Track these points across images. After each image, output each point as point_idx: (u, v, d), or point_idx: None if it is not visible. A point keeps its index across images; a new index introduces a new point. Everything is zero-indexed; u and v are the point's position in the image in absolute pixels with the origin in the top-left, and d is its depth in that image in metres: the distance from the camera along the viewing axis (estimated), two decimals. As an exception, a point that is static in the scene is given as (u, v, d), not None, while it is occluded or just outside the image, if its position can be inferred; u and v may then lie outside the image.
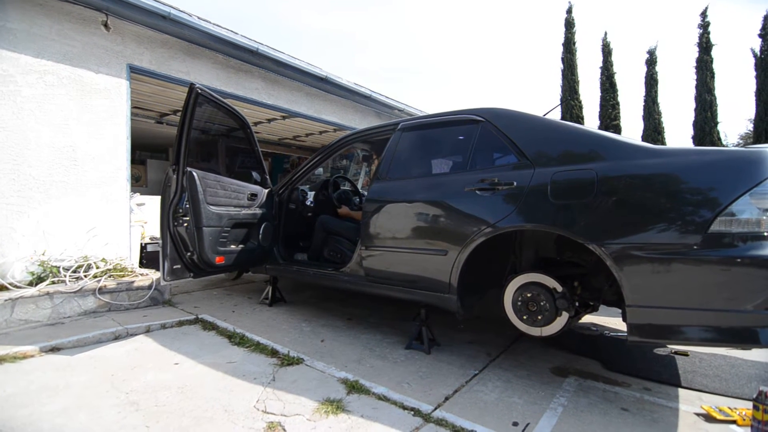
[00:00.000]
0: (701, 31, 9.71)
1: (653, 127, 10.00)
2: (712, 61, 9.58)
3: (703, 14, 9.71)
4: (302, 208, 4.11)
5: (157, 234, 3.41)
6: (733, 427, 1.91)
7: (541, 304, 2.25)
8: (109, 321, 3.13)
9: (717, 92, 9.51)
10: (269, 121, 7.19)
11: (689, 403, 2.14)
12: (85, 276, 3.42)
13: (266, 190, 3.58)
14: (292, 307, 3.83)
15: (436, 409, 1.99)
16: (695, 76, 9.74)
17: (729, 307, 1.71)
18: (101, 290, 3.38)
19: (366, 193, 3.10)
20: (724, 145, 9.79)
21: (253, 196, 3.40)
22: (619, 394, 2.22)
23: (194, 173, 2.82)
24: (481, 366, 2.57)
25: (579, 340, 3.09)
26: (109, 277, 3.55)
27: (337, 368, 2.43)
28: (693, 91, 9.74)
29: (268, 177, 3.73)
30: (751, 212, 1.68)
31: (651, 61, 10.24)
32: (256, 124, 7.37)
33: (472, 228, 2.34)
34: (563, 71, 10.64)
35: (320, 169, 7.75)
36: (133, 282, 3.57)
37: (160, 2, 3.92)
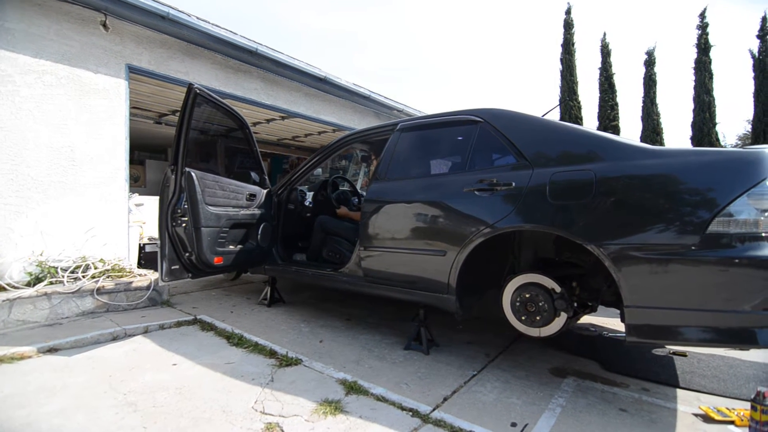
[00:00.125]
0: (700, 32, 9.73)
1: (652, 128, 10.01)
2: (710, 62, 9.60)
3: (702, 15, 9.74)
4: (301, 209, 4.11)
5: (156, 234, 3.41)
6: (731, 427, 1.91)
7: (540, 304, 2.25)
8: (107, 321, 3.12)
9: (715, 93, 9.53)
10: (268, 121, 7.19)
11: (687, 403, 2.14)
12: (83, 276, 3.42)
13: (265, 191, 3.57)
14: (291, 307, 3.83)
15: (434, 409, 1.99)
16: (694, 77, 9.76)
17: (727, 308, 1.71)
18: (99, 291, 3.37)
19: (365, 194, 3.10)
20: (722, 146, 9.82)
21: (252, 196, 3.40)
22: (617, 395, 2.22)
23: (193, 173, 2.81)
24: (479, 367, 2.57)
25: (577, 340, 3.10)
26: (108, 277, 3.55)
27: (336, 369, 2.43)
28: (691, 92, 9.76)
29: (266, 177, 3.73)
30: (749, 213, 1.69)
31: (650, 62, 10.25)
32: (254, 124, 7.37)
33: (471, 228, 2.34)
34: (562, 72, 10.65)
35: (319, 170, 7.74)
36: (131, 282, 3.56)
37: (158, 2, 3.91)
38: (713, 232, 1.71)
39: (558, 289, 2.22)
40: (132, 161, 4.86)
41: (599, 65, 10.50)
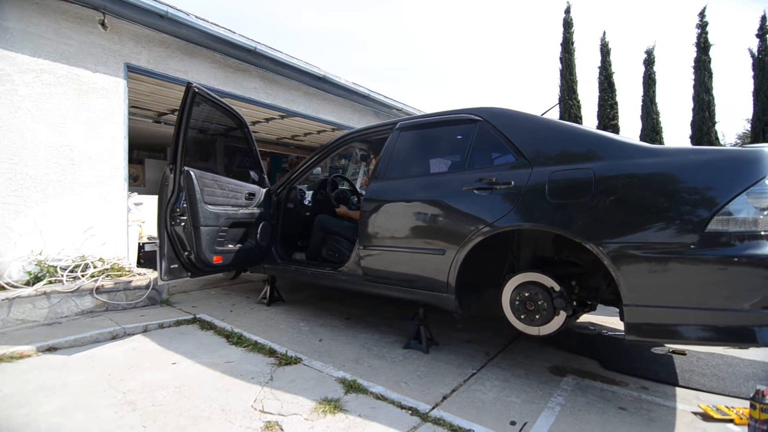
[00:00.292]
0: (699, 31, 9.74)
1: (651, 127, 10.02)
2: (710, 61, 9.61)
3: (701, 14, 9.74)
4: (300, 208, 4.11)
5: (155, 233, 3.41)
6: (731, 426, 1.91)
7: (539, 303, 2.25)
8: (106, 321, 3.12)
9: (715, 92, 9.56)
10: (267, 120, 7.18)
11: (687, 402, 2.14)
12: (83, 276, 3.41)
13: (264, 190, 3.57)
14: (290, 306, 3.83)
15: (433, 408, 1.99)
16: (693, 76, 9.77)
17: (726, 307, 1.71)
18: (98, 290, 3.37)
19: (364, 193, 3.10)
20: (721, 145, 9.82)
21: (251, 195, 3.40)
22: (616, 393, 2.22)
23: (191, 172, 2.81)
24: (479, 365, 2.57)
25: (577, 339, 3.10)
26: (107, 276, 3.54)
27: (335, 368, 2.43)
28: (691, 91, 9.78)
29: (266, 176, 3.73)
30: (748, 211, 1.68)
31: (649, 61, 10.26)
32: (254, 123, 7.36)
33: (470, 227, 2.34)
34: (561, 71, 10.66)
35: (318, 169, 7.72)
36: (130, 281, 3.56)
37: (157, 1, 3.90)
38: (712, 230, 1.71)
39: (557, 287, 2.22)
40: (131, 160, 4.86)
41: (599, 64, 10.51)
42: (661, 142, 9.74)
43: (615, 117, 10.16)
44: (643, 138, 9.88)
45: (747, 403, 1.83)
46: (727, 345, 2.01)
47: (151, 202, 5.12)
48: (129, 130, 4.10)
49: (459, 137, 2.74)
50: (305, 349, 2.74)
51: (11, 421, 1.78)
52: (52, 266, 3.39)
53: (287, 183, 3.75)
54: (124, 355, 2.57)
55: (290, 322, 3.35)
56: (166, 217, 2.82)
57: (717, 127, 9.52)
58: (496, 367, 2.56)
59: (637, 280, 1.85)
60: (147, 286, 3.62)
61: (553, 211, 2.11)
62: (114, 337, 2.86)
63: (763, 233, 1.66)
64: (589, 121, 10.69)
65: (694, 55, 9.74)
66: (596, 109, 10.45)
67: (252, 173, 3.63)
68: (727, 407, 2.03)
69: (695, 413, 2.02)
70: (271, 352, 2.64)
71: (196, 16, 4.28)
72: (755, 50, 9.14)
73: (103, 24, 3.76)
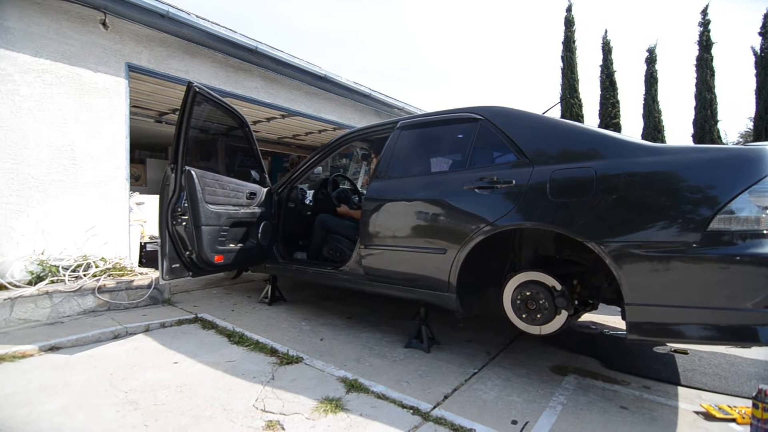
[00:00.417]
0: (701, 29, 9.69)
1: (653, 126, 9.99)
2: (712, 60, 9.56)
3: (704, 12, 9.70)
4: (301, 207, 4.11)
5: (157, 233, 3.42)
6: (733, 425, 1.91)
7: (540, 302, 2.25)
8: (108, 320, 3.13)
9: (717, 90, 9.51)
10: (268, 119, 7.18)
11: (689, 401, 2.14)
12: (85, 275, 3.42)
13: (265, 189, 3.57)
14: (292, 305, 3.83)
15: (435, 407, 1.99)
16: (695, 75, 9.73)
17: (728, 306, 1.71)
18: (100, 289, 3.37)
19: (365, 192, 3.09)
20: (723, 144, 9.78)
21: (252, 194, 3.40)
22: (618, 393, 2.22)
23: (193, 172, 2.81)
24: (480, 364, 2.57)
25: (578, 338, 3.09)
26: (109, 276, 3.55)
27: (337, 367, 2.43)
28: (693, 90, 9.73)
29: (267, 176, 3.73)
30: (751, 210, 1.68)
31: (651, 60, 10.22)
32: (255, 123, 7.36)
33: (471, 226, 2.34)
34: (563, 69, 10.63)
35: (319, 168, 7.74)
36: (132, 281, 3.57)
37: (158, 0, 3.90)
38: (714, 229, 1.71)
39: (558, 286, 2.21)
40: (132, 160, 4.86)
41: (600, 63, 10.47)
42: (663, 141, 9.72)
43: (617, 115, 10.13)
44: (644, 137, 9.85)
45: (749, 403, 1.83)
46: (729, 344, 2.00)
47: (152, 201, 5.14)
48: (130, 129, 4.11)
49: (460, 136, 2.73)
50: (306, 348, 2.74)
51: (13, 421, 1.78)
52: (54, 266, 3.40)
53: (288, 182, 3.75)
54: (126, 354, 2.58)
55: (291, 321, 3.35)
56: (167, 216, 2.82)
57: (719, 125, 9.48)
58: (498, 367, 2.55)
59: (638, 279, 1.84)
60: (149, 286, 3.63)
61: (554, 210, 2.10)
62: (116, 337, 2.87)
63: (765, 232, 1.66)
64: (591, 119, 10.67)
65: (696, 53, 9.69)
66: (598, 107, 10.42)
67: (253, 173, 3.63)
68: (729, 406, 2.02)
69: (697, 412, 2.01)
70: (273, 352, 2.64)
71: (197, 16, 4.28)
72: (758, 48, 9.08)
73: (104, 24, 3.76)
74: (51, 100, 3.51)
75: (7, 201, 3.29)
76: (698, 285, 1.76)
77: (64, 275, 3.35)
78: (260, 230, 3.41)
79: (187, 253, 2.90)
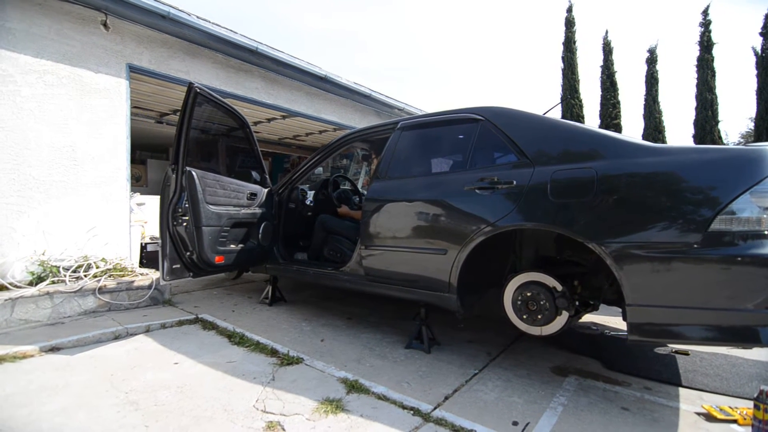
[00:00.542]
0: (702, 29, 9.69)
1: (654, 126, 9.99)
2: (713, 60, 9.57)
3: (705, 13, 9.70)
4: (302, 208, 4.11)
5: (157, 234, 3.42)
6: (734, 426, 1.90)
7: (541, 303, 2.24)
8: (109, 321, 3.13)
9: (718, 91, 9.52)
10: (269, 120, 7.19)
11: (690, 402, 2.13)
12: (85, 276, 3.42)
13: (266, 190, 3.57)
14: (292, 306, 3.83)
15: (435, 408, 1.99)
16: (696, 75, 9.73)
17: (729, 306, 1.71)
18: (101, 290, 3.38)
19: (366, 193, 3.09)
20: (724, 144, 9.77)
21: (253, 195, 3.40)
22: (619, 394, 2.22)
23: (193, 173, 2.81)
24: (481, 365, 2.56)
25: (579, 339, 3.09)
26: (109, 276, 3.55)
27: (337, 368, 2.43)
28: (694, 90, 9.74)
29: (267, 176, 3.73)
30: (752, 210, 1.68)
31: (652, 60, 10.23)
32: (255, 123, 7.37)
33: (472, 227, 2.34)
34: (564, 70, 10.64)
35: (320, 169, 7.74)
36: (133, 282, 3.57)
37: (159, 1, 3.91)
38: (715, 230, 1.71)
39: (559, 287, 2.21)
40: (133, 161, 4.86)
41: (601, 63, 10.48)
42: (663, 141, 9.71)
43: (617, 116, 10.13)
44: (645, 137, 9.85)
45: (751, 404, 1.82)
46: (730, 345, 2.01)
47: (153, 202, 5.15)
48: (131, 130, 4.11)
49: (461, 137, 2.74)
50: (307, 349, 2.74)
51: (14, 421, 1.78)
52: (55, 266, 3.40)
53: (289, 183, 3.75)
54: (127, 355, 2.58)
55: (292, 322, 3.35)
56: (168, 217, 2.82)
57: (720, 126, 9.48)
58: (498, 367, 2.55)
59: (639, 280, 1.84)
60: (149, 286, 3.63)
61: (555, 211, 2.10)
62: (116, 337, 2.87)
63: (766, 232, 1.66)
64: (592, 120, 10.68)
65: (697, 53, 9.70)
66: (598, 108, 10.43)
67: (254, 173, 3.63)
68: (730, 408, 2.02)
69: (698, 414, 2.01)
70: (273, 352, 2.64)
71: (198, 17, 4.28)
72: (759, 49, 9.08)
73: (105, 25, 3.77)
74: (52, 101, 3.52)
75: (8, 201, 3.29)
76: (699, 286, 1.76)
77: (65, 276, 3.36)
78: (261, 231, 3.42)
79: (188, 253, 2.90)
